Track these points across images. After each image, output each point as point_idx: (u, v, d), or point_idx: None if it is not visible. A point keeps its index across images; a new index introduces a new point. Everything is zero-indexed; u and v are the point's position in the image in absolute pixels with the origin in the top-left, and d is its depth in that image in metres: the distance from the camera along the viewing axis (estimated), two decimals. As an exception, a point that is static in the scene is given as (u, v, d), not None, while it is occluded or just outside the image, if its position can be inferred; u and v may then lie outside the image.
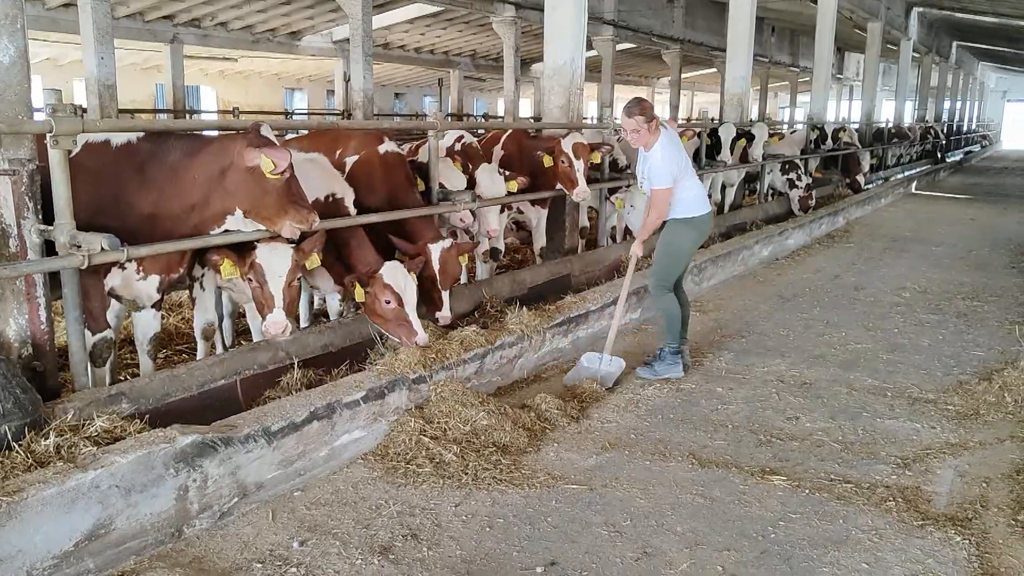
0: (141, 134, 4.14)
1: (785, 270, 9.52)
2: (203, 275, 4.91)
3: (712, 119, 19.33)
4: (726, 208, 12.02)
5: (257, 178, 3.95)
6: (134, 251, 3.78)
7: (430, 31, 22.74)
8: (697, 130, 10.28)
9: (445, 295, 5.38)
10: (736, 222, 11.30)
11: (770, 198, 13.12)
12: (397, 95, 34.66)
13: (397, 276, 4.80)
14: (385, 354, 4.70)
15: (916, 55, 26.79)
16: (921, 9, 24.58)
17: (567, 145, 6.99)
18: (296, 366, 4.65)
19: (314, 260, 4.55)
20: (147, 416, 3.82)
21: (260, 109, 25.60)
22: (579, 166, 6.94)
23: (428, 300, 5.40)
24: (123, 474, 3.11)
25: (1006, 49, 32.72)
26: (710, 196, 11.45)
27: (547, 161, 7.01)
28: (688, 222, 5.55)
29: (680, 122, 13.27)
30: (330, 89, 29.65)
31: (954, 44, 34.05)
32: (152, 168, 4.04)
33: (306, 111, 27.89)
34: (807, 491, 3.92)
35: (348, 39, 16.32)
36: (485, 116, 30.57)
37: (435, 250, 5.36)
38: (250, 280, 4.33)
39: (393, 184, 5.77)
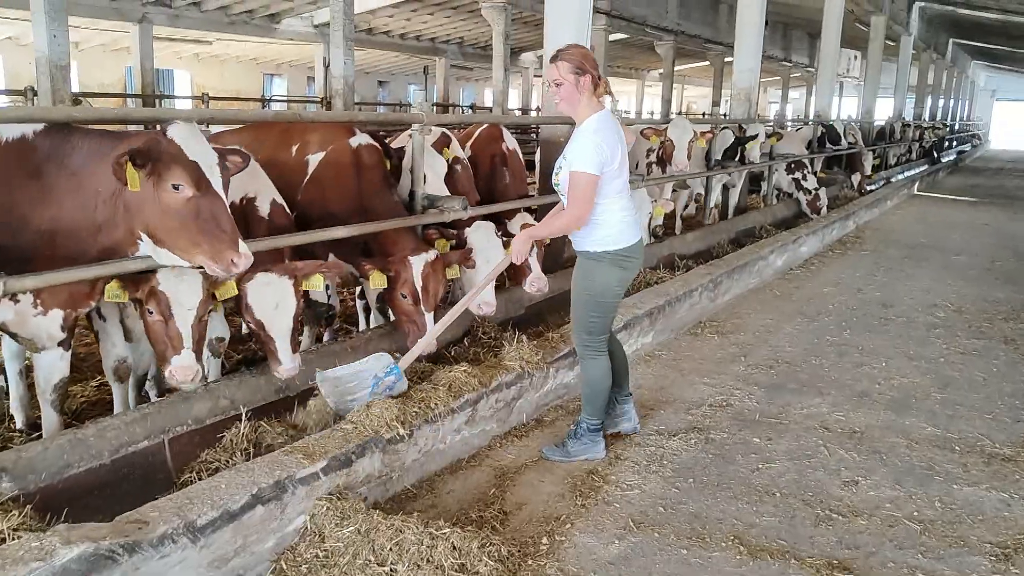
0: (39, 128, 3.18)
1: (802, 282, 8.67)
2: (99, 303, 3.87)
3: (707, 114, 18.49)
4: (731, 212, 11.17)
5: (153, 195, 3.03)
6: (15, 282, 2.84)
7: (416, 16, 21.78)
8: (722, 128, 9.32)
9: (429, 318, 4.49)
10: (745, 227, 10.45)
11: (775, 199, 12.30)
12: (380, 83, 33.61)
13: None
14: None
15: (914, 52, 26.02)
16: (923, 4, 23.83)
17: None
18: (244, 417, 3.74)
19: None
20: (37, 496, 2.91)
21: (236, 95, 24.54)
22: (534, 252, 5.44)
23: (409, 323, 4.53)
24: (-29, 612, 2.19)
25: (1003, 48, 32.06)
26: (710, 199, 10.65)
27: None
28: (610, 257, 3.87)
29: (674, 116, 12.28)
30: (311, 76, 28.55)
31: (951, 41, 33.38)
32: (51, 172, 3.09)
33: (285, 98, 26.75)
34: (893, 599, 3.07)
35: (329, 23, 15.37)
36: (472, 107, 29.64)
37: (416, 263, 4.47)
38: (150, 312, 3.40)
39: (368, 187, 4.87)
